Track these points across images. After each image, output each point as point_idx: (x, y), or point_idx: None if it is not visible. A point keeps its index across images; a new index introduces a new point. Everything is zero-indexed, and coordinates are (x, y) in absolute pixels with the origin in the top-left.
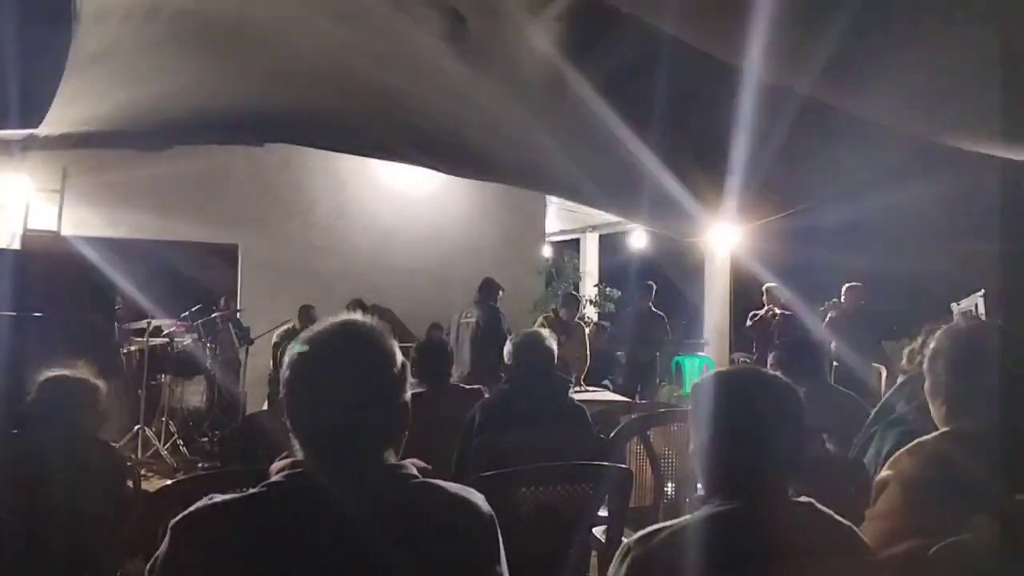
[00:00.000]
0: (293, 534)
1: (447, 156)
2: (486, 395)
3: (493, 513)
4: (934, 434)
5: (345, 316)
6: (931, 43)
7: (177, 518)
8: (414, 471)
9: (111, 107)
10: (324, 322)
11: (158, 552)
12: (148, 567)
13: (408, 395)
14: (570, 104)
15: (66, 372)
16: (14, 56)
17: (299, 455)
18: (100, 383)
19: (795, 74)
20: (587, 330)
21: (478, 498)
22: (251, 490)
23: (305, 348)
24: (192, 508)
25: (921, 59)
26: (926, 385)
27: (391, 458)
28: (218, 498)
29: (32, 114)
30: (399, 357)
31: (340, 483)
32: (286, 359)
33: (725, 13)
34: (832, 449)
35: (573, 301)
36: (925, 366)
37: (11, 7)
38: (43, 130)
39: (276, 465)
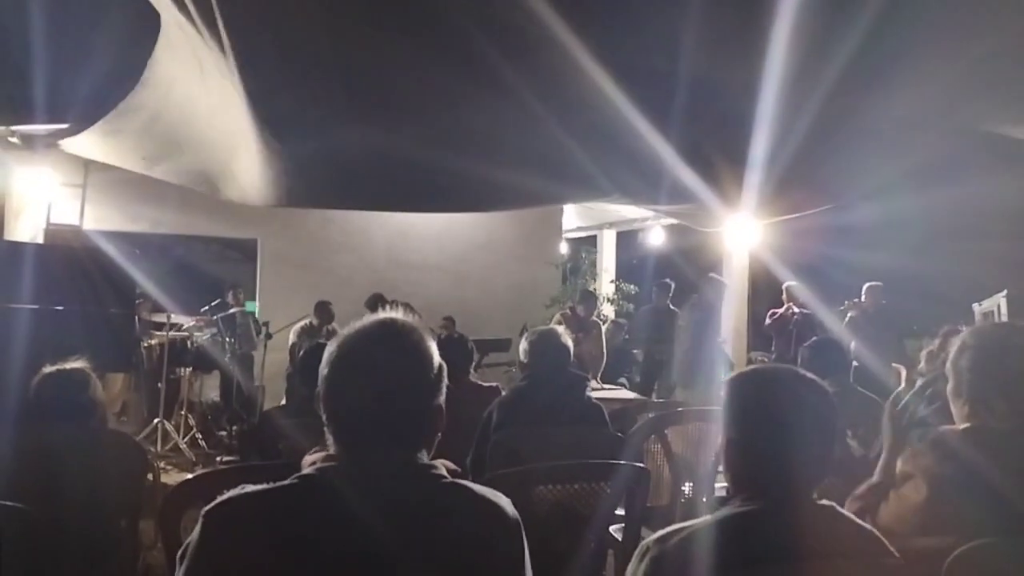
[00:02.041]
0: (322, 527)
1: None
2: (503, 392)
3: (519, 517)
4: (956, 428)
5: (387, 314)
6: (969, 32)
7: (210, 506)
8: (444, 472)
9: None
10: (366, 318)
11: (189, 539)
12: (179, 554)
13: (443, 398)
14: (586, 93)
15: (62, 365)
16: (39, 51)
17: (332, 449)
18: (91, 373)
19: (821, 67)
20: (604, 327)
21: (505, 502)
22: (283, 481)
23: (345, 343)
24: (225, 496)
25: (959, 49)
26: (949, 384)
27: (423, 458)
28: (250, 488)
29: (59, 110)
30: (437, 359)
31: (370, 479)
32: (326, 353)
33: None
34: (855, 447)
35: (590, 298)
36: (948, 365)
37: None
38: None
39: (308, 458)
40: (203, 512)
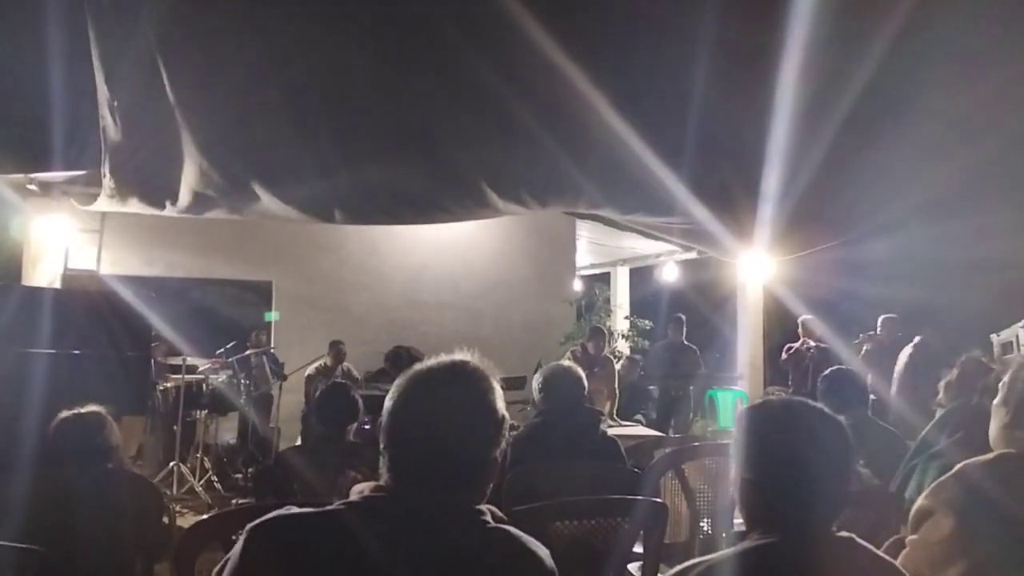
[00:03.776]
0: (361, 555)
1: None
2: (518, 428)
3: (555, 569)
4: (980, 460)
5: (459, 356)
6: (987, 61)
7: (254, 523)
8: (489, 517)
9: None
10: (439, 358)
11: (229, 554)
12: (216, 571)
13: (501, 450)
14: (596, 126)
15: (78, 410)
16: (56, 98)
17: (384, 479)
18: (108, 416)
19: (835, 99)
20: (617, 364)
21: (544, 553)
22: (328, 506)
23: (415, 379)
24: (269, 515)
25: (976, 79)
26: (998, 396)
27: (472, 503)
28: (295, 509)
29: (75, 157)
30: (502, 410)
31: (415, 514)
32: (395, 385)
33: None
34: (865, 473)
35: (599, 334)
36: (1006, 377)
37: (55, 49)
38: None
39: (357, 487)
40: (247, 528)
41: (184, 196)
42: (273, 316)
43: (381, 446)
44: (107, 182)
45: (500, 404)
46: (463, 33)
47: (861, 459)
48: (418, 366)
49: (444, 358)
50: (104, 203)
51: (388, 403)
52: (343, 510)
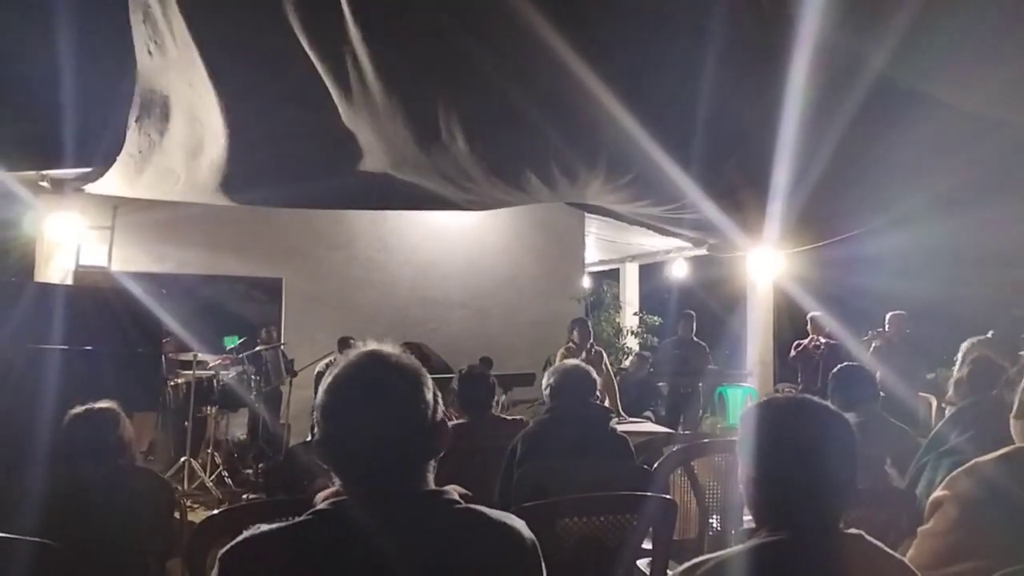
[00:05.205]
0: (339, 561)
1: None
2: (529, 425)
3: (535, 539)
4: (993, 455)
5: (369, 347)
6: (999, 53)
7: (225, 548)
8: (456, 496)
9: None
10: (347, 355)
11: None
12: None
13: (440, 412)
14: (605, 124)
15: (92, 405)
16: (69, 96)
17: (338, 484)
18: (121, 412)
19: (845, 93)
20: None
21: (519, 524)
22: (297, 519)
23: (332, 388)
24: (240, 538)
25: (988, 72)
26: (1018, 396)
27: (431, 483)
28: (264, 527)
29: (88, 154)
30: (424, 377)
31: (384, 510)
32: (317, 401)
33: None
34: (892, 474)
35: (581, 324)
36: None
37: (67, 46)
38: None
39: (321, 494)
40: (219, 555)
41: (209, 156)
42: (233, 341)
43: (327, 462)
44: (131, 134)
45: (421, 373)
46: (476, 36)
47: (888, 458)
48: (329, 374)
49: (354, 355)
50: (117, 176)
51: (317, 419)
52: (313, 520)
